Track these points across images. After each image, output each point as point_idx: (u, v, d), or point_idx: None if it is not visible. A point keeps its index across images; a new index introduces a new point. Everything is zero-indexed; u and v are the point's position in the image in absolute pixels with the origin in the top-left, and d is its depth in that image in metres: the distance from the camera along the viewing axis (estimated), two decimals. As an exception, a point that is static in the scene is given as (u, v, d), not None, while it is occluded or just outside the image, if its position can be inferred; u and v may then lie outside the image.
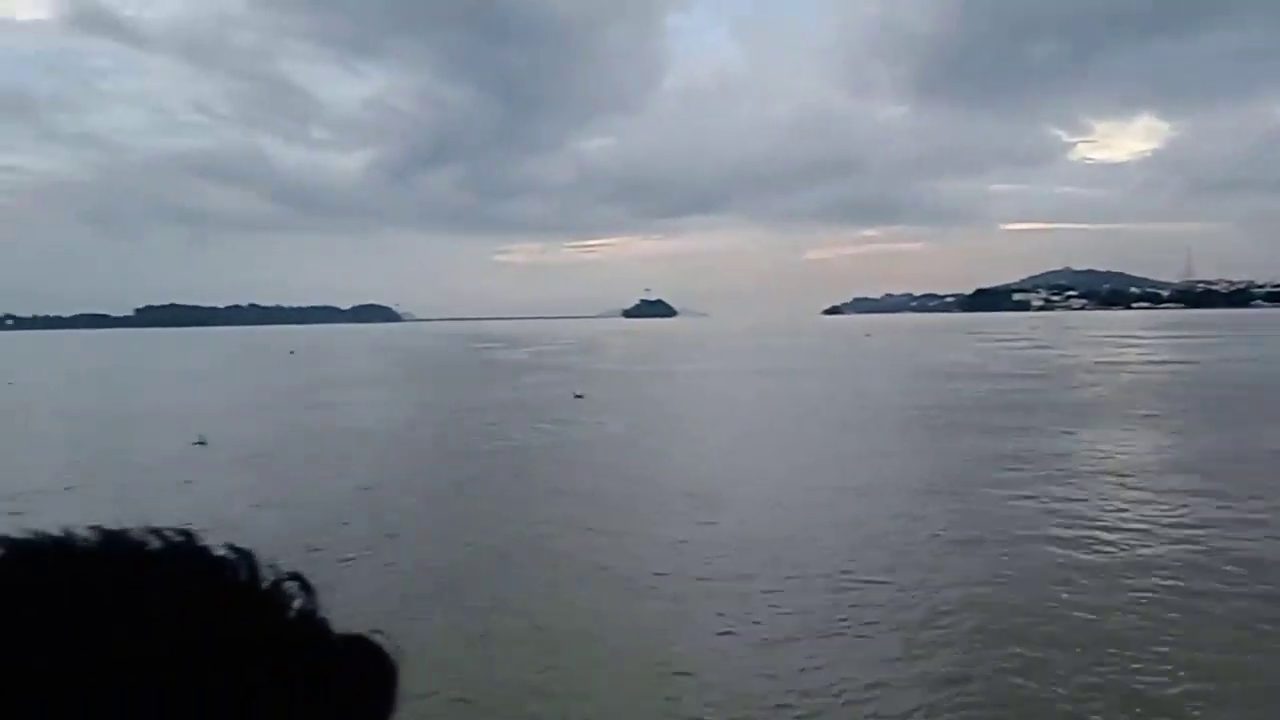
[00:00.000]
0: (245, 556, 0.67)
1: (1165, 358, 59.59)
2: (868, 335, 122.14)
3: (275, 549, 0.68)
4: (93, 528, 0.64)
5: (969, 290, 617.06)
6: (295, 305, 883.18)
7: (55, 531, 0.63)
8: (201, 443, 24.49)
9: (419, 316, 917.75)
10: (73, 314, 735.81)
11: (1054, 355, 65.84)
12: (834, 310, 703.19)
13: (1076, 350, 72.03)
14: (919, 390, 39.83)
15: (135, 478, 20.64)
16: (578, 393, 38.69)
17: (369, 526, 15.45)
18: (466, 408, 36.00)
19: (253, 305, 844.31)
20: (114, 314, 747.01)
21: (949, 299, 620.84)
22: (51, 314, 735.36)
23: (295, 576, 0.68)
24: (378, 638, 0.69)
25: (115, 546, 0.64)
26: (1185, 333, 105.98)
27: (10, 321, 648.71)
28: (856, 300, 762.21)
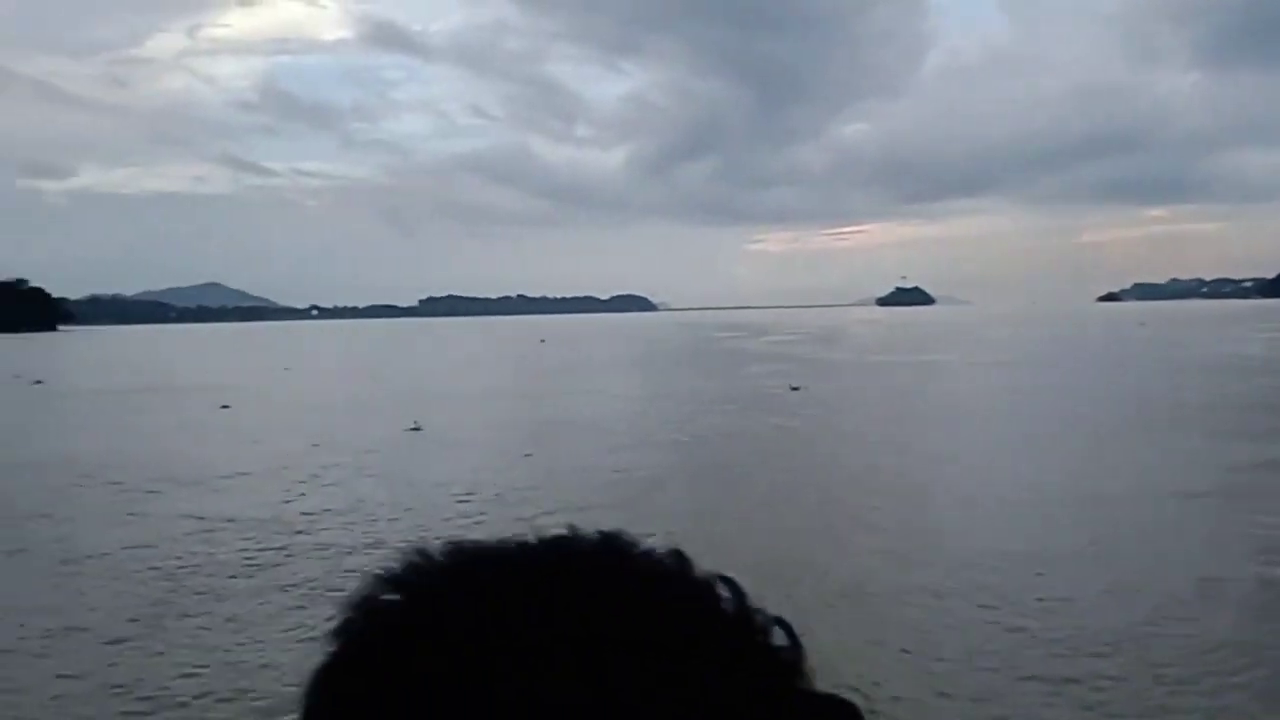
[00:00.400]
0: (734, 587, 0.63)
1: None
2: (1142, 324, 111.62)
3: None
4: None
5: (1272, 275, 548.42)
6: (558, 296, 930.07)
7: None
8: (417, 428, 26.16)
9: (674, 306, 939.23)
10: (366, 305, 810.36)
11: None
12: (1110, 297, 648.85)
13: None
14: (1176, 387, 35.79)
15: (352, 459, 22.29)
16: (794, 385, 37.96)
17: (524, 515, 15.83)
18: (667, 396, 36.34)
19: (520, 296, 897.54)
20: (400, 304, 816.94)
21: (1247, 284, 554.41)
22: (348, 305, 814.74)
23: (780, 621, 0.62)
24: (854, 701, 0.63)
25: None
26: None
27: (315, 312, 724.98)
28: (1136, 286, 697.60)
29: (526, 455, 22.14)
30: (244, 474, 20.09)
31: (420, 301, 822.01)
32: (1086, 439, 22.99)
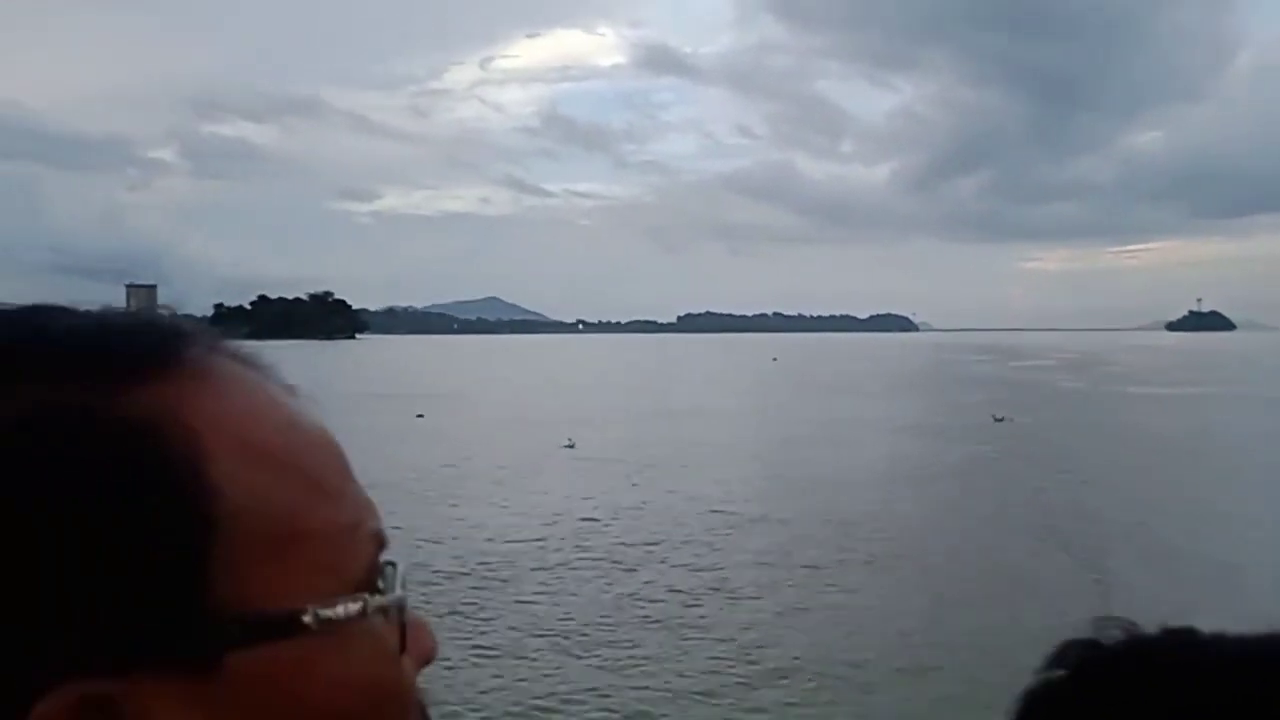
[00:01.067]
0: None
1: None
2: None
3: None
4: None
5: None
6: (815, 314, 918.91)
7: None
8: (571, 445, 26.28)
9: (936, 326, 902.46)
10: (628, 320, 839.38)
11: None
12: None
13: None
14: None
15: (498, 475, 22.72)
16: (999, 415, 34.80)
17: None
18: (845, 421, 34.36)
19: (776, 314, 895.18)
20: (659, 320, 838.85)
21: None
22: (611, 320, 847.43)
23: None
24: None
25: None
26: None
27: (581, 326, 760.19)
28: None
29: (634, 485, 21.57)
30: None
31: (679, 318, 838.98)
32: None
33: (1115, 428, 33.88)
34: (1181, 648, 0.61)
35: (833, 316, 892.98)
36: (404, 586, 0.47)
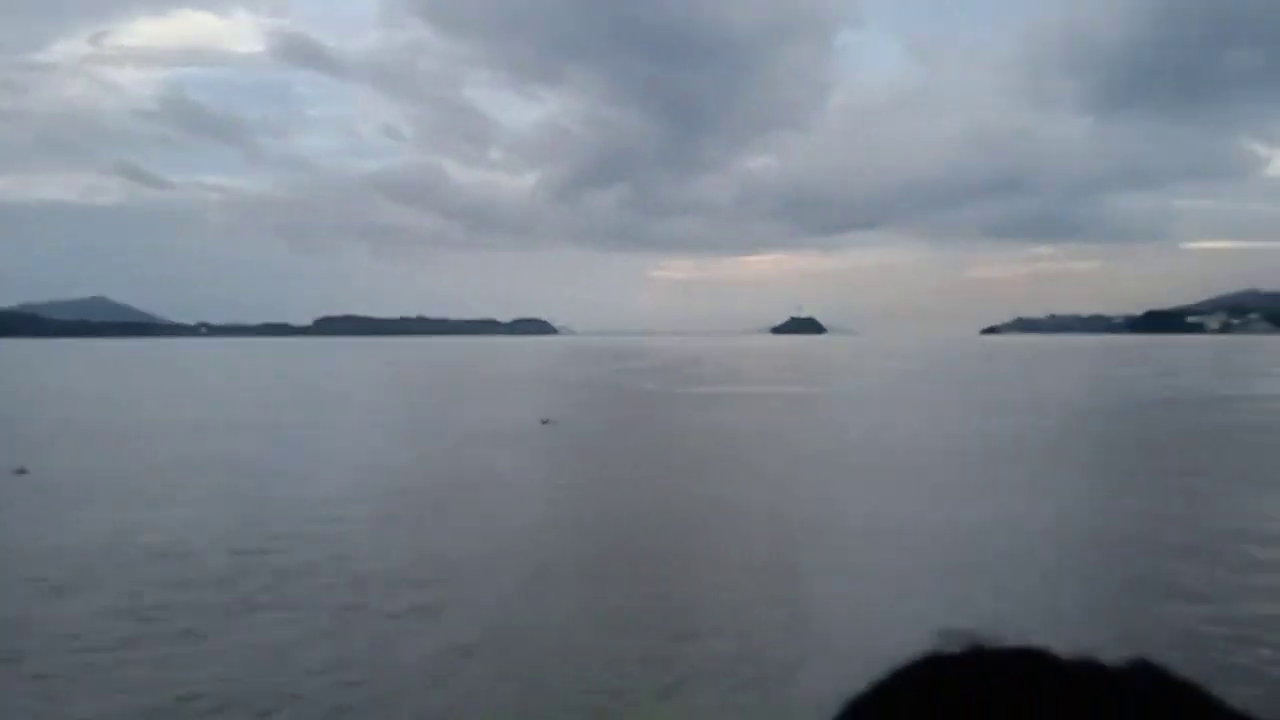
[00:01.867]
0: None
1: None
2: (989, 358, 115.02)
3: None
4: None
5: (1140, 312, 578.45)
6: (460, 318, 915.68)
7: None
8: (22, 471, 23.41)
9: (575, 330, 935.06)
10: (259, 323, 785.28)
11: (1162, 384, 59.06)
12: (992, 330, 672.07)
13: (1200, 381, 64.40)
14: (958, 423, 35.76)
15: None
16: (545, 419, 36.68)
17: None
18: (389, 428, 34.61)
19: (420, 317, 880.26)
20: (295, 324, 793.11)
21: (1117, 321, 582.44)
22: (240, 323, 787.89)
23: None
24: None
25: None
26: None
27: (204, 329, 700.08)
28: (1018, 320, 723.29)
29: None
30: None
31: (315, 321, 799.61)
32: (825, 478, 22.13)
33: (650, 427, 36.92)
34: (1025, 665, 0.62)
35: (477, 320, 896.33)
36: None
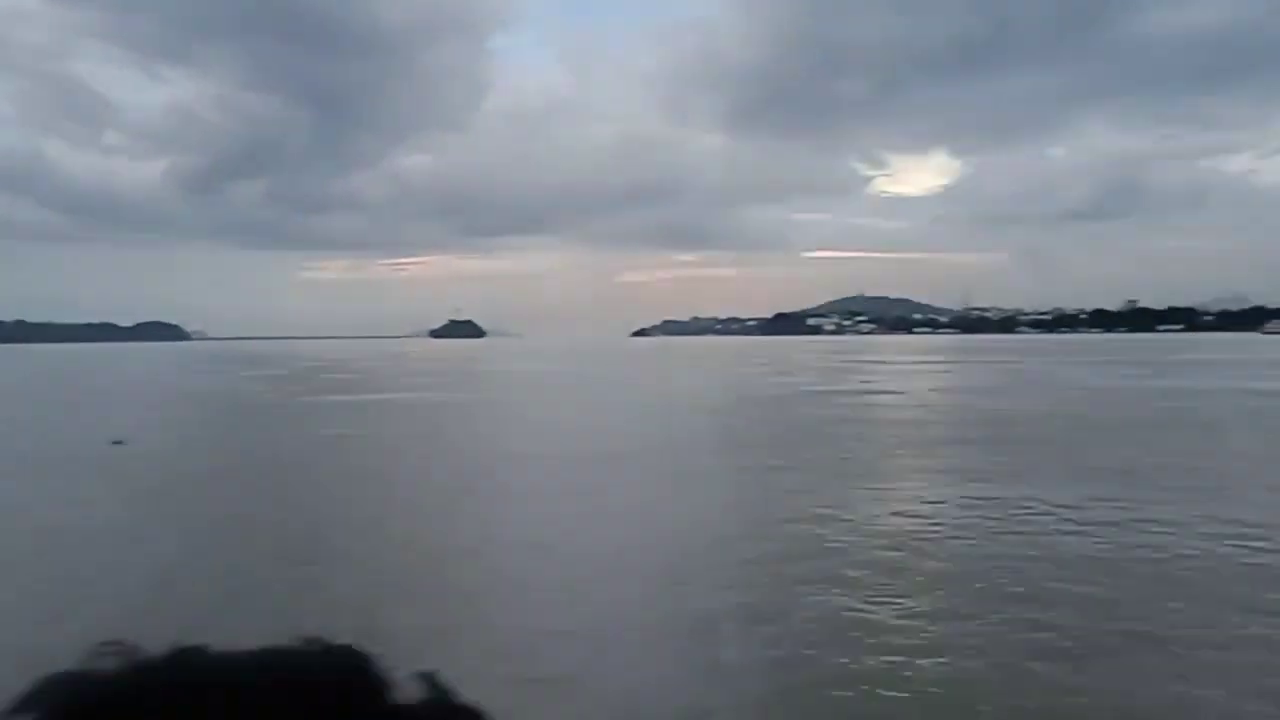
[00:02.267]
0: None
1: (884, 386, 58.51)
2: (629, 359, 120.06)
3: None
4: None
5: (770, 314, 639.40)
6: (69, 322, 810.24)
7: None
8: None
9: (212, 335, 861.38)
10: None
11: (770, 381, 64.17)
12: (641, 333, 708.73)
13: (798, 377, 70.80)
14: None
15: None
16: (117, 439, 31.86)
17: None
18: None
19: (20, 321, 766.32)
20: None
21: (751, 323, 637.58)
22: None
23: None
24: None
25: None
26: (930, 358, 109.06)
27: None
28: (665, 323, 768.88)
29: None
30: None
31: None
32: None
33: (241, 445, 33.32)
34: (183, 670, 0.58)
35: (91, 325, 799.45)
36: None
